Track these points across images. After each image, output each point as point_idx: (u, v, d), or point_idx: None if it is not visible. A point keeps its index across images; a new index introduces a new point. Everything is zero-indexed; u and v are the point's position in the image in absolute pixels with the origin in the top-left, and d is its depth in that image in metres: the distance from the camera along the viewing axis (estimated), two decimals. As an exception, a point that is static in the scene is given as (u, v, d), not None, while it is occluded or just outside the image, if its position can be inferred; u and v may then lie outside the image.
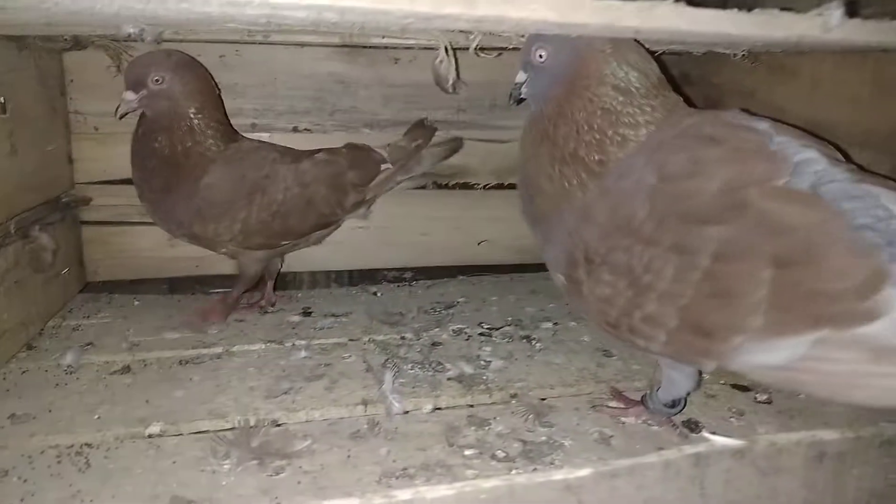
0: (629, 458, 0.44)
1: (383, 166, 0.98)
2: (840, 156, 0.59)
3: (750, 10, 0.51)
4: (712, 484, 0.46)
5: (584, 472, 0.43)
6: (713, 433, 0.50)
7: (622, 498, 0.44)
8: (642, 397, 0.65)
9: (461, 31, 0.71)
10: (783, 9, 0.52)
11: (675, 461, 0.45)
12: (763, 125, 0.58)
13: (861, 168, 0.58)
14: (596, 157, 0.61)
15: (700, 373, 0.62)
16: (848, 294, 0.47)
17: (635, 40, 0.64)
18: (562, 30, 0.55)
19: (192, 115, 0.83)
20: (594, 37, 0.61)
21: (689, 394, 0.61)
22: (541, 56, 0.65)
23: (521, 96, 0.70)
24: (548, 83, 0.65)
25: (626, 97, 0.61)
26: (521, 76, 0.69)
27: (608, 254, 0.57)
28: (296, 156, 0.92)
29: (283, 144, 0.96)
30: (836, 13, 0.51)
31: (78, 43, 0.84)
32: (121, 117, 0.81)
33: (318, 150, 0.94)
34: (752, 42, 0.66)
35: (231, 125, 0.92)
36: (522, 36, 0.71)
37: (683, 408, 0.62)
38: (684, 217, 0.53)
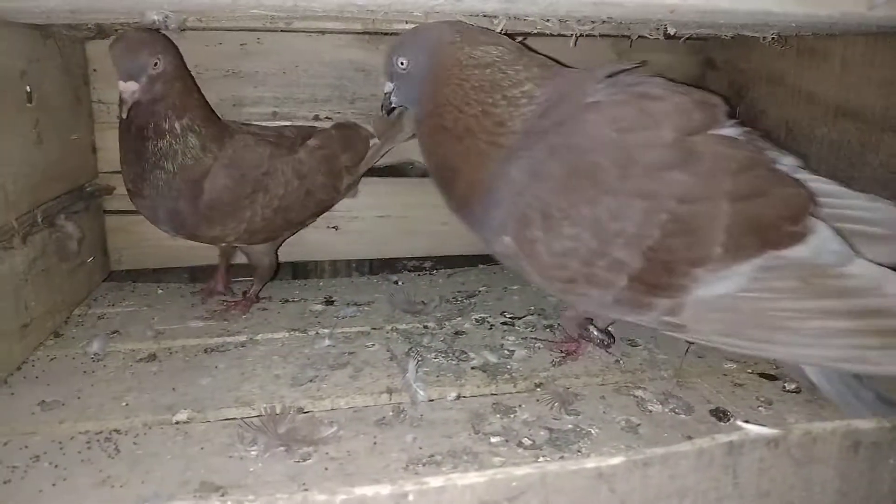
0: (662, 446, 0.44)
1: (371, 142, 0.98)
2: None
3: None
4: (745, 473, 0.45)
5: (617, 460, 0.42)
6: (746, 422, 0.49)
7: (654, 487, 0.44)
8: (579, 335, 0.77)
9: (485, 16, 0.70)
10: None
11: (709, 449, 0.44)
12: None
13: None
14: (491, 122, 0.66)
15: None
16: (786, 219, 0.57)
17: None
18: (597, 9, 0.55)
19: (187, 98, 0.79)
20: (443, 32, 0.68)
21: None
22: (402, 64, 0.72)
23: (392, 105, 0.77)
24: (417, 85, 0.71)
25: (491, 68, 0.66)
26: (388, 86, 0.76)
27: (570, 207, 0.60)
28: (289, 145, 0.90)
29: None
30: (881, -11, 0.50)
31: (101, 31, 0.84)
32: (127, 117, 0.75)
33: (308, 133, 0.94)
34: (791, 21, 0.65)
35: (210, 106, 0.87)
36: (548, 20, 0.70)
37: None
38: (647, 166, 0.58)
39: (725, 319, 0.59)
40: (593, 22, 0.71)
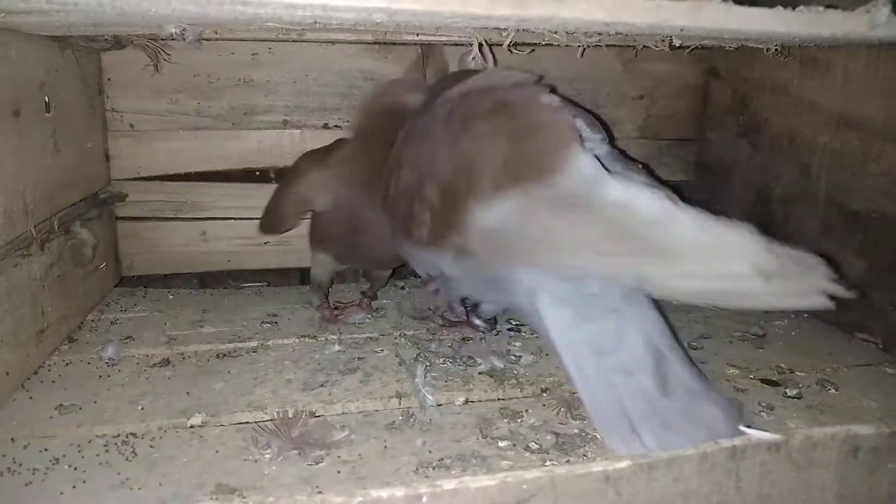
0: (666, 450, 0.45)
1: None
2: None
3: (794, 7, 0.51)
4: (747, 477, 0.47)
5: (623, 464, 0.44)
6: (748, 427, 0.51)
7: (659, 490, 0.45)
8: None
9: (495, 28, 0.72)
10: (828, 6, 0.52)
11: (712, 454, 0.45)
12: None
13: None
14: None
15: None
16: (545, 153, 0.62)
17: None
18: (607, 27, 0.56)
19: None
20: None
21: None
22: None
23: None
24: None
25: None
26: None
27: (405, 157, 0.75)
28: None
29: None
30: (883, 10, 0.51)
31: (118, 42, 0.86)
32: None
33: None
34: (795, 37, 0.66)
35: None
36: (555, 32, 0.72)
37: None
38: (463, 118, 0.68)
39: (504, 246, 0.63)
40: (600, 34, 0.72)
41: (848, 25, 0.52)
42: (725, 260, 0.51)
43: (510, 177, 0.62)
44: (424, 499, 0.41)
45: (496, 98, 0.69)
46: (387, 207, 0.78)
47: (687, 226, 0.54)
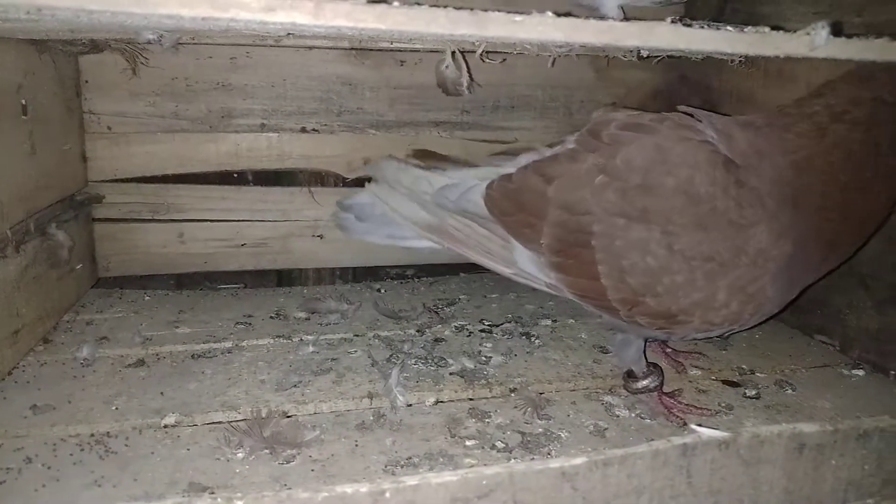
0: (621, 448, 0.47)
1: None
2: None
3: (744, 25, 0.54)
4: (698, 473, 0.49)
5: (579, 460, 0.46)
6: (699, 425, 0.53)
7: (613, 485, 0.47)
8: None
9: (468, 42, 0.73)
10: (774, 27, 0.55)
11: (664, 451, 0.48)
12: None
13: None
14: None
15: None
16: None
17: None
18: (567, 48, 0.58)
19: None
20: None
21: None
22: None
23: None
24: None
25: None
26: None
27: None
28: None
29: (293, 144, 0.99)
30: (822, 33, 0.54)
31: (95, 46, 0.86)
32: None
33: None
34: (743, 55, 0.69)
35: None
36: (528, 44, 0.74)
37: None
38: None
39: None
40: (563, 47, 0.75)
41: (790, 47, 0.55)
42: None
43: None
44: (387, 494, 0.42)
45: None
46: None
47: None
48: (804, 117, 0.64)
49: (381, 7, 0.44)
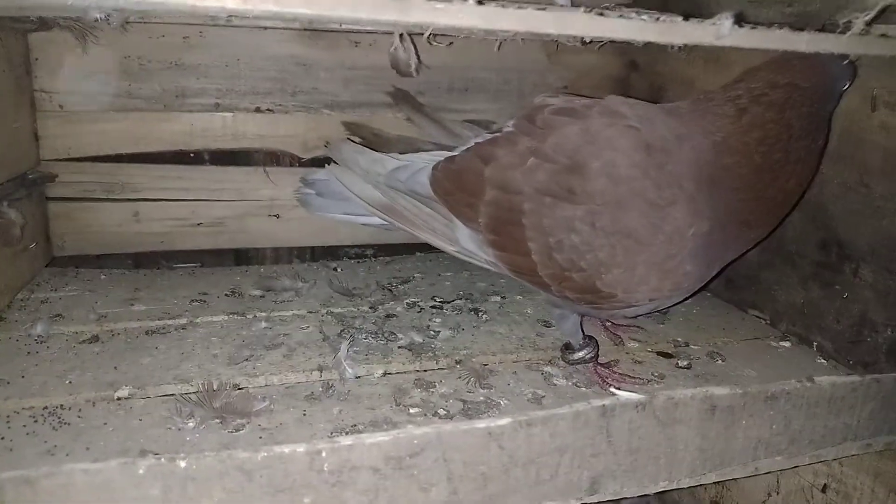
0: (544, 409, 0.51)
1: None
2: None
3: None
4: (618, 432, 0.53)
5: (504, 420, 0.50)
6: (618, 388, 0.57)
7: (538, 444, 0.51)
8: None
9: (418, 28, 0.76)
10: (686, 17, 0.59)
11: (584, 412, 0.52)
12: None
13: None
14: None
15: None
16: None
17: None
18: (489, 35, 0.61)
19: None
20: None
21: None
22: None
23: None
24: None
25: None
26: None
27: None
28: None
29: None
30: (726, 23, 0.58)
31: (44, 24, 0.86)
32: None
33: None
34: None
35: None
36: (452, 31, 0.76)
37: None
38: None
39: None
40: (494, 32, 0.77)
41: (697, 36, 0.58)
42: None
43: None
44: (324, 454, 0.45)
45: None
46: None
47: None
48: (727, 100, 0.69)
49: (309, -8, 0.46)
